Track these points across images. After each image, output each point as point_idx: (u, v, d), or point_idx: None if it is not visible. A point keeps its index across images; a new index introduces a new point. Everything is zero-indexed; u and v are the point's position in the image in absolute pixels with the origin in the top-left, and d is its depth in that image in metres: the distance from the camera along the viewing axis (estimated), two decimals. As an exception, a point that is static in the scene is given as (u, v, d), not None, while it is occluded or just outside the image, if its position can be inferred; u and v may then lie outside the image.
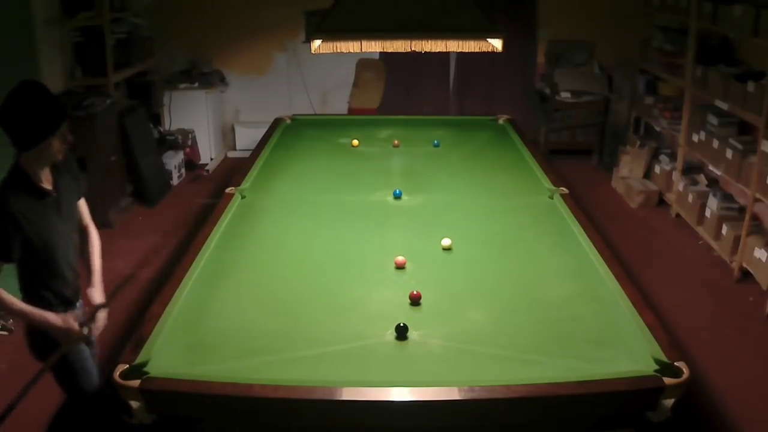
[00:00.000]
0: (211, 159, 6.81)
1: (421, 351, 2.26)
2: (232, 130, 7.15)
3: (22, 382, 2.34)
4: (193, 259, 2.78)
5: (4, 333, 3.76)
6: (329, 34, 3.19)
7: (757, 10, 4.27)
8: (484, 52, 3.39)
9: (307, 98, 7.01)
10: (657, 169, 5.88)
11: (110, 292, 2.50)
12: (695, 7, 5.13)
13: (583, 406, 2.05)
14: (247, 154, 4.53)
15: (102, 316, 2.42)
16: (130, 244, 4.97)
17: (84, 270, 2.54)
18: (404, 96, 7.00)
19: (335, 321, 2.41)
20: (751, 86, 4.34)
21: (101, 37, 5.38)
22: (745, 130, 4.83)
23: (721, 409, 3.20)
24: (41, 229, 2.25)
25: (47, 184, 2.31)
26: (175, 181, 6.25)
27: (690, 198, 5.25)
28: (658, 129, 6.02)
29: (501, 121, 5.04)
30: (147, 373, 2.04)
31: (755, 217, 4.59)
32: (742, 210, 4.70)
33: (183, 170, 6.44)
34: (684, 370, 2.05)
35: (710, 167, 4.99)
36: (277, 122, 5.02)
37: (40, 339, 2.36)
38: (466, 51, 3.36)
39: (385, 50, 3.35)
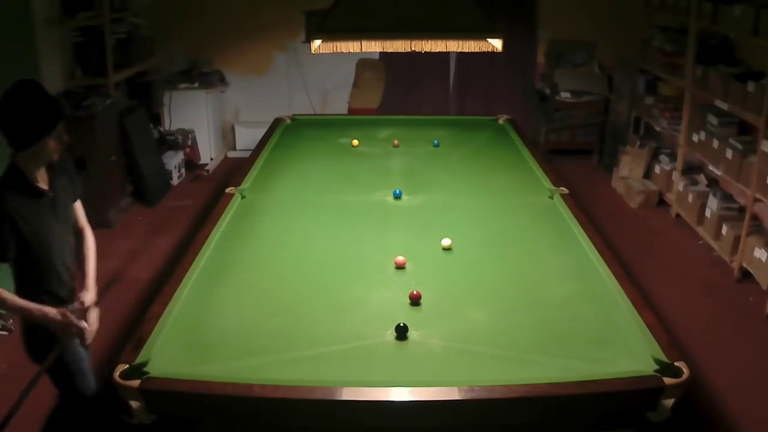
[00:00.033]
0: (211, 159, 6.81)
1: (421, 351, 2.26)
2: (232, 130, 7.15)
3: (22, 381, 2.34)
4: (193, 259, 2.78)
5: (4, 333, 3.76)
6: (329, 34, 3.19)
7: (757, 10, 4.27)
8: (484, 52, 3.39)
9: (307, 98, 7.01)
10: (657, 169, 5.88)
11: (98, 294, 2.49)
12: (695, 7, 5.13)
13: (583, 406, 2.05)
14: (247, 154, 4.53)
15: (94, 318, 2.40)
16: (130, 244, 4.97)
17: (79, 272, 2.53)
18: (404, 96, 7.00)
19: (335, 321, 2.41)
20: (751, 86, 4.34)
21: (101, 37, 5.38)
22: (745, 130, 4.83)
23: (721, 409, 3.20)
24: (37, 229, 2.24)
25: (43, 184, 2.31)
26: (175, 181, 6.25)
27: (690, 198, 5.25)
28: (658, 129, 6.03)
29: (501, 121, 5.04)
30: (147, 373, 2.04)
31: (755, 217, 4.59)
32: (742, 210, 4.70)
33: (183, 170, 6.44)
34: (684, 370, 2.05)
35: (710, 167, 4.99)
36: (277, 122, 5.02)
37: (37, 340, 2.36)
38: (466, 51, 3.36)
39: (385, 50, 3.35)
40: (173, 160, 6.25)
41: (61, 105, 2.30)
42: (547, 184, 3.73)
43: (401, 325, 2.29)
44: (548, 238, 3.13)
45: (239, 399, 1.98)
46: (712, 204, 4.94)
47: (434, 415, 2.03)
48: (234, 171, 4.25)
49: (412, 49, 3.27)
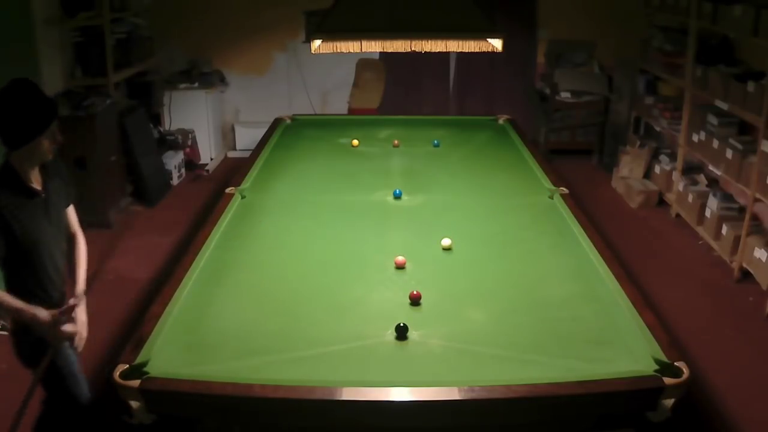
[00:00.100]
0: (211, 159, 6.81)
1: (421, 351, 2.26)
2: (232, 130, 7.15)
3: (22, 381, 2.34)
4: (193, 259, 2.78)
5: (4, 333, 3.76)
6: (329, 34, 3.19)
7: (757, 10, 4.27)
8: (484, 52, 3.39)
9: (307, 98, 7.01)
10: (657, 169, 5.88)
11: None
12: (695, 7, 5.13)
13: (583, 406, 2.05)
14: (247, 154, 4.53)
15: (83, 324, 2.37)
16: (130, 244, 4.97)
17: (70, 277, 2.51)
18: (404, 96, 7.00)
19: (335, 321, 2.41)
20: (751, 86, 4.34)
21: (101, 37, 5.38)
22: (745, 130, 4.83)
23: (721, 409, 3.20)
24: (29, 229, 2.23)
25: (37, 185, 2.30)
26: (175, 181, 6.25)
27: (690, 198, 5.25)
28: (658, 129, 6.03)
29: (501, 121, 5.04)
30: (147, 373, 2.04)
31: (755, 217, 4.59)
32: (742, 210, 4.70)
33: (183, 170, 6.44)
34: (684, 370, 2.05)
35: (710, 167, 4.99)
36: (277, 122, 5.02)
37: (27, 343, 2.34)
38: (466, 51, 3.36)
39: (385, 50, 3.35)
40: (173, 160, 6.25)
41: (56, 105, 2.29)
42: (547, 184, 3.73)
43: (401, 325, 2.29)
44: (548, 238, 3.13)
45: (239, 399, 1.98)
46: (712, 204, 4.94)
47: (434, 415, 2.03)
48: (234, 171, 4.25)
49: (412, 49, 3.27)
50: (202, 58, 6.76)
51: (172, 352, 2.18)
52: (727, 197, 4.92)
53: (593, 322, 2.41)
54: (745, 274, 4.45)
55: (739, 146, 4.55)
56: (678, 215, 5.48)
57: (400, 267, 2.79)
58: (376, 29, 3.21)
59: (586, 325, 2.38)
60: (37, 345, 2.30)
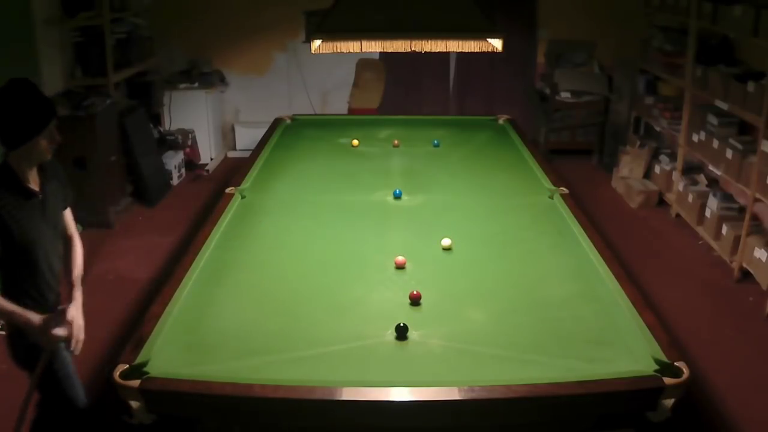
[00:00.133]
0: (211, 159, 6.81)
1: (421, 351, 2.26)
2: (232, 130, 7.15)
3: (21, 382, 2.34)
4: (193, 259, 2.78)
5: (3, 333, 3.76)
6: (329, 34, 3.19)
7: (757, 10, 4.27)
8: (484, 52, 3.39)
9: (307, 98, 7.01)
10: (657, 169, 5.88)
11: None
12: (695, 7, 5.13)
13: (583, 406, 2.05)
14: (247, 154, 4.53)
15: (79, 325, 2.33)
16: (130, 244, 4.97)
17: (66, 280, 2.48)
18: (404, 96, 7.00)
19: (335, 321, 2.41)
20: (751, 86, 4.34)
21: (101, 37, 5.38)
22: (745, 130, 4.83)
23: (721, 409, 3.20)
24: (26, 230, 2.22)
25: (34, 186, 2.29)
26: (175, 181, 6.25)
27: (690, 198, 5.25)
28: (658, 129, 6.03)
29: (501, 121, 5.04)
30: (147, 373, 2.04)
31: (755, 217, 4.59)
32: (742, 210, 4.70)
33: (183, 170, 6.44)
34: (684, 370, 2.05)
35: (710, 167, 4.99)
36: (277, 122, 5.02)
37: (21, 346, 2.32)
38: (466, 51, 3.36)
39: (385, 50, 3.35)
40: (173, 160, 6.25)
41: (54, 105, 2.28)
42: (547, 184, 3.73)
43: (401, 325, 2.29)
44: (548, 238, 3.13)
45: (239, 399, 1.98)
46: (712, 204, 4.94)
47: (434, 415, 2.03)
48: (234, 171, 4.25)
49: (412, 49, 3.27)
50: (202, 58, 6.76)
51: (172, 352, 2.18)
52: (727, 197, 4.92)
53: (593, 322, 2.41)
54: (745, 274, 4.45)
55: (739, 146, 4.55)
56: (678, 215, 5.48)
57: (400, 267, 2.79)
58: (376, 29, 3.21)
59: (586, 325, 2.38)
60: (32, 348, 2.28)
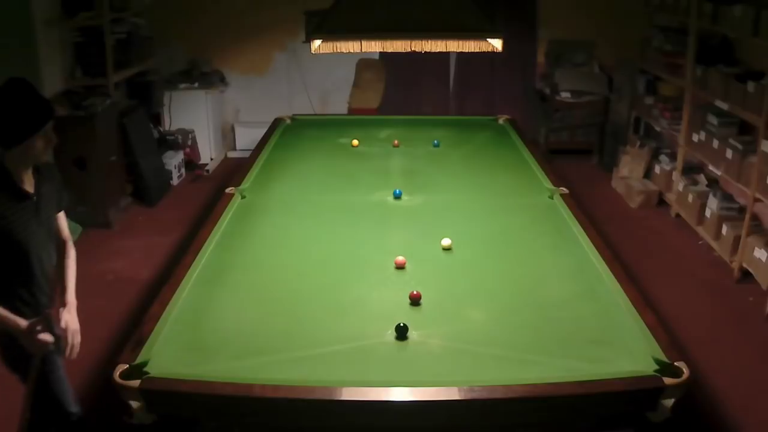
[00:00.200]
0: (211, 159, 6.81)
1: (421, 351, 2.26)
2: (232, 130, 7.14)
3: (15, 387, 2.33)
4: (193, 259, 2.78)
5: None
6: (329, 34, 3.19)
7: (757, 10, 4.27)
8: (484, 52, 3.39)
9: (307, 98, 7.01)
10: (657, 169, 5.88)
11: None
12: (695, 7, 5.13)
13: (583, 407, 2.05)
14: (247, 154, 4.53)
15: (74, 329, 2.31)
16: (130, 244, 4.97)
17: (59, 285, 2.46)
18: (404, 96, 7.00)
19: (335, 321, 2.41)
20: (751, 86, 4.34)
21: (101, 37, 5.37)
22: (745, 130, 4.83)
23: (721, 409, 3.20)
24: (18, 231, 2.21)
25: (29, 187, 2.28)
26: (175, 181, 6.25)
27: (690, 198, 5.25)
28: (658, 129, 6.02)
29: (501, 121, 5.04)
30: (147, 373, 2.04)
31: (755, 217, 4.58)
32: (742, 210, 4.70)
33: (183, 170, 6.44)
34: (684, 370, 2.05)
35: (710, 167, 4.99)
36: (277, 122, 5.02)
37: (14, 349, 2.28)
38: (466, 51, 3.36)
39: (385, 50, 3.35)
40: (173, 160, 6.25)
41: (51, 106, 2.27)
42: (547, 184, 3.73)
43: (401, 325, 2.29)
44: (548, 238, 3.13)
45: (239, 399, 1.98)
46: (712, 204, 4.94)
47: (434, 415, 2.03)
48: (234, 171, 4.25)
49: (412, 49, 3.27)
50: (202, 58, 6.76)
51: (172, 352, 2.18)
52: (727, 197, 4.92)
53: (593, 322, 2.41)
54: (745, 274, 4.45)
55: (739, 146, 4.55)
56: (678, 215, 5.48)
57: (400, 267, 2.79)
58: (376, 29, 3.21)
59: (586, 325, 2.38)
60: (22, 353, 2.25)
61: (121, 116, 5.46)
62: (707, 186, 5.24)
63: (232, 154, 7.11)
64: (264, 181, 3.84)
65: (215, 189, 5.56)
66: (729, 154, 4.64)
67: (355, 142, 4.56)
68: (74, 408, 2.48)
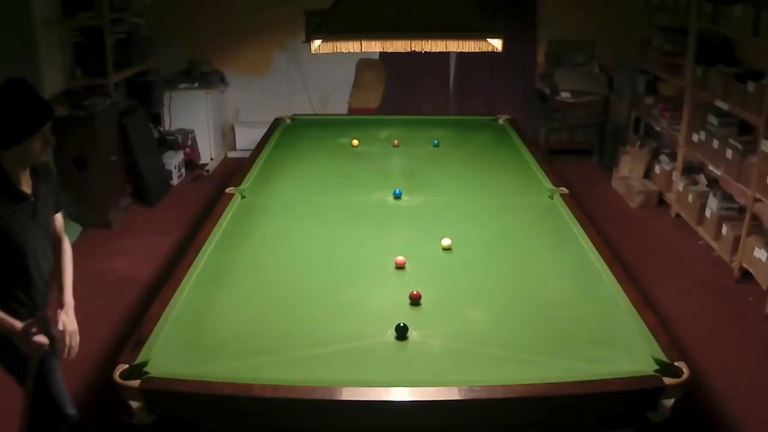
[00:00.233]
0: (211, 159, 6.81)
1: (421, 351, 2.26)
2: (232, 130, 7.14)
3: (12, 389, 2.33)
4: (193, 259, 2.78)
5: None
6: (329, 34, 3.19)
7: (757, 10, 4.27)
8: (484, 52, 3.39)
9: (307, 98, 7.01)
10: (657, 169, 5.88)
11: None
12: (695, 7, 5.13)
13: (583, 407, 2.05)
14: (247, 154, 4.53)
15: (72, 330, 2.30)
16: (130, 244, 4.97)
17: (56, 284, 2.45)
18: (404, 96, 7.00)
19: (335, 321, 2.41)
20: (751, 86, 4.34)
21: (101, 37, 5.37)
22: (745, 130, 4.83)
23: (721, 409, 3.20)
24: (15, 232, 2.21)
25: (26, 188, 2.27)
26: (175, 181, 6.25)
27: (690, 198, 5.25)
28: (658, 129, 6.02)
29: (501, 121, 5.04)
30: (147, 373, 2.04)
31: (755, 217, 4.58)
32: (742, 210, 4.70)
33: (183, 170, 6.44)
34: (684, 370, 2.05)
35: (710, 167, 4.99)
36: (277, 122, 5.02)
37: (8, 352, 2.28)
38: (466, 51, 3.36)
39: (385, 50, 3.35)
40: (173, 160, 6.25)
41: (50, 106, 2.26)
42: (547, 184, 3.73)
43: (401, 325, 2.29)
44: (548, 238, 3.13)
45: (239, 399, 1.98)
46: (712, 204, 4.94)
47: (434, 415, 2.03)
48: (234, 171, 4.25)
49: (412, 49, 3.27)
50: (202, 58, 6.76)
51: (172, 352, 2.18)
52: (727, 197, 4.92)
53: (593, 322, 2.41)
54: (745, 274, 4.45)
55: (739, 146, 4.55)
56: (678, 215, 5.48)
57: (400, 267, 2.79)
58: (376, 29, 3.21)
59: (586, 325, 2.38)
60: (18, 355, 2.24)
61: (121, 116, 5.46)
62: (707, 186, 5.24)
63: (232, 154, 7.11)
64: (264, 181, 3.84)
65: (215, 189, 5.56)
66: (729, 154, 4.64)
67: (355, 142, 4.56)
68: (71, 411, 2.48)
